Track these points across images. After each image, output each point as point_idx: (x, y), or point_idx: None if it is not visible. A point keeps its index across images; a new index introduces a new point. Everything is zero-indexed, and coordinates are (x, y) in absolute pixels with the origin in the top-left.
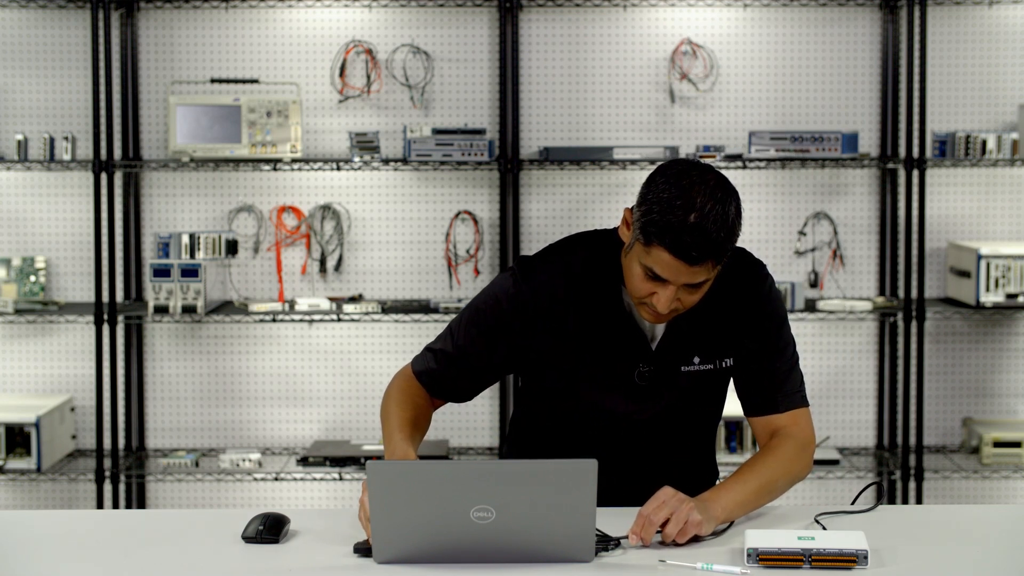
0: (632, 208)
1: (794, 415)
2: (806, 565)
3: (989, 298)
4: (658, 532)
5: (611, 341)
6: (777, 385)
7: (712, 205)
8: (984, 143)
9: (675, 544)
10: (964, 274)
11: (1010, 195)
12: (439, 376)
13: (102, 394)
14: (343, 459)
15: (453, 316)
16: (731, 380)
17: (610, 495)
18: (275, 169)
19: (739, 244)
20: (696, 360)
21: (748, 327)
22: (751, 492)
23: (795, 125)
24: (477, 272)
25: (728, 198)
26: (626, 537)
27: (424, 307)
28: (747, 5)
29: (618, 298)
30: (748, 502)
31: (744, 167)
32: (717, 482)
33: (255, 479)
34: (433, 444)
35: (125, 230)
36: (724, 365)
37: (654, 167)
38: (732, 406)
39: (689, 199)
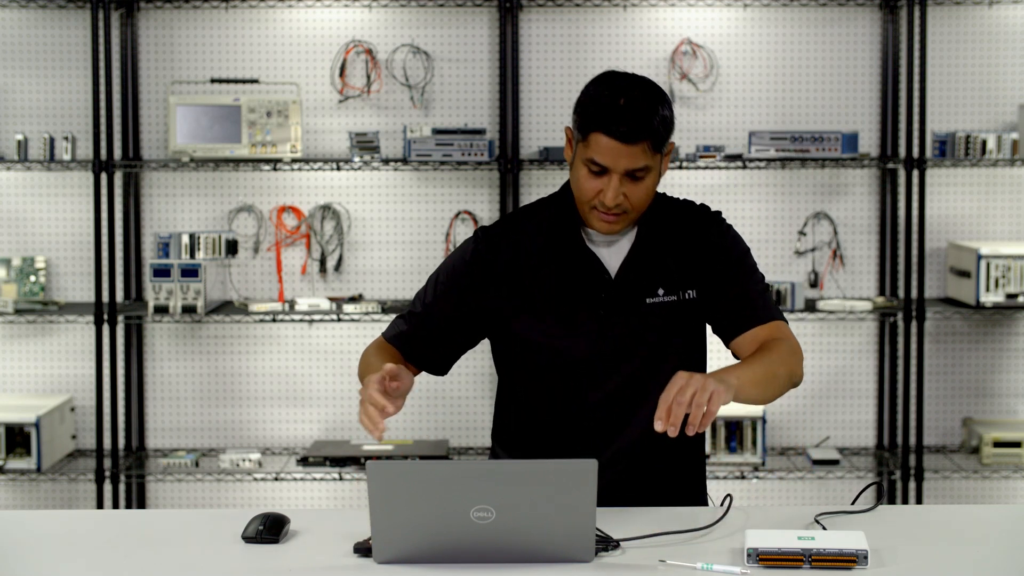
0: (570, 126)
1: (777, 325)
2: (806, 565)
3: (989, 298)
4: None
5: (572, 277)
6: (752, 302)
7: (641, 92)
8: (984, 143)
9: (685, 438)
10: (964, 274)
11: (1010, 195)
12: (411, 338)
13: (102, 394)
14: (343, 459)
15: None
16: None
17: (594, 454)
18: (275, 169)
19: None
20: (660, 292)
21: (711, 259)
22: (759, 374)
23: (795, 125)
24: None
25: (657, 90)
26: (626, 539)
27: None
28: (747, 5)
29: (577, 237)
30: (757, 382)
31: (744, 167)
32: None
33: (255, 479)
34: (433, 444)
35: (125, 230)
36: (687, 296)
37: None
38: (731, 406)
39: (618, 88)
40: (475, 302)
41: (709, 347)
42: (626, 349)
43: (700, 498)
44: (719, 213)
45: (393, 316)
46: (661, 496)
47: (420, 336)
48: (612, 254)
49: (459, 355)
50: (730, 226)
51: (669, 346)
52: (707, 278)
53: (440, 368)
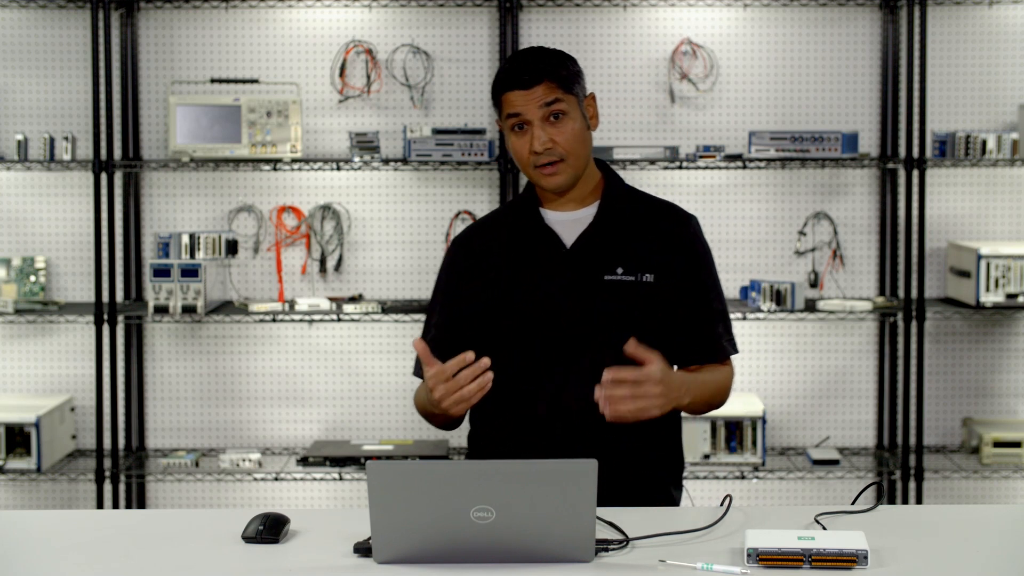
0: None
1: (727, 364)
2: (806, 565)
3: (989, 298)
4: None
5: (531, 252)
6: (713, 337)
7: (536, 49)
8: (984, 143)
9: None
10: (964, 274)
11: (1010, 195)
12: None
13: (102, 394)
14: (343, 459)
15: None
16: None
17: (557, 431)
18: (275, 169)
19: (737, 244)
20: (619, 271)
21: (676, 254)
22: (707, 396)
23: (795, 125)
24: None
25: (558, 51)
26: (626, 540)
27: (424, 307)
28: (747, 5)
29: (536, 216)
30: (703, 403)
31: (744, 167)
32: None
33: (255, 479)
34: (433, 444)
35: (125, 230)
36: (644, 279)
37: (654, 167)
38: (731, 406)
39: (512, 56)
40: (461, 301)
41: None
42: (586, 324)
43: (673, 484)
44: (694, 216)
45: (393, 316)
46: (627, 480)
47: (438, 358)
48: (571, 232)
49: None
50: (701, 232)
51: (628, 326)
52: (669, 273)
53: None
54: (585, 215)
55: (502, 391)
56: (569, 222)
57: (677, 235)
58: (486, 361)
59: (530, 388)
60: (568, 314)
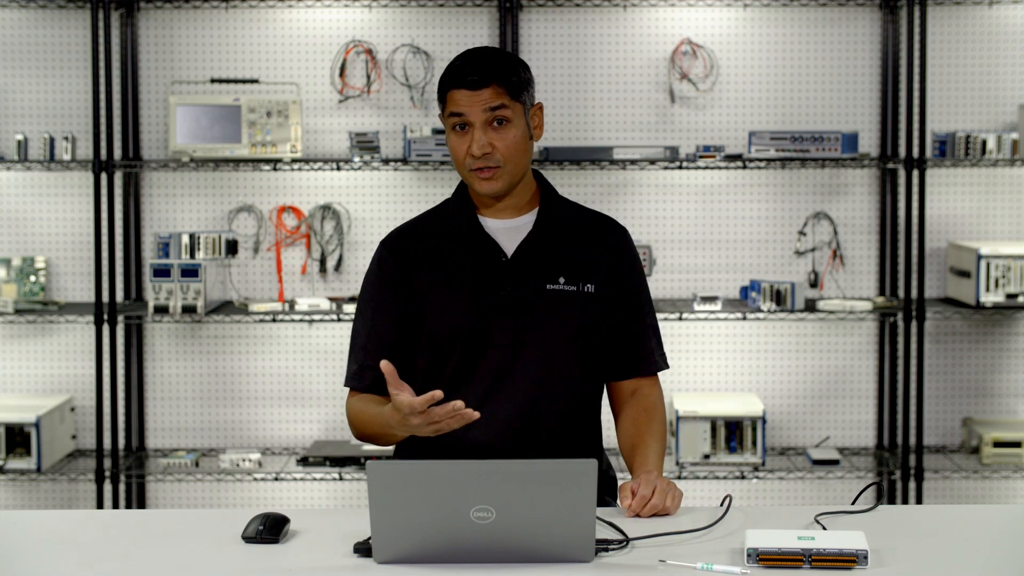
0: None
1: (654, 381)
2: (806, 565)
3: (989, 298)
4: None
5: (471, 260)
6: (646, 350)
7: (487, 50)
8: (984, 143)
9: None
10: (964, 274)
11: (1010, 195)
12: (368, 370)
13: (102, 394)
14: (343, 459)
15: None
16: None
17: (500, 440)
18: (275, 169)
19: (737, 244)
20: (561, 280)
21: (610, 264)
22: (661, 458)
23: (795, 125)
24: None
25: (508, 53)
26: (626, 540)
27: None
28: (747, 5)
29: (474, 223)
30: (661, 467)
31: (744, 167)
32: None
33: (255, 479)
34: None
35: (125, 230)
36: (586, 290)
37: (654, 167)
38: (731, 406)
39: (462, 54)
40: (396, 307)
41: None
42: (530, 333)
43: (607, 492)
44: (625, 229)
45: None
46: None
47: (372, 363)
48: (510, 240)
49: (406, 371)
50: (632, 244)
51: (573, 336)
52: (608, 283)
53: None
54: (523, 223)
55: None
56: (507, 230)
57: (616, 247)
58: (460, 404)
59: (465, 400)
60: (509, 324)
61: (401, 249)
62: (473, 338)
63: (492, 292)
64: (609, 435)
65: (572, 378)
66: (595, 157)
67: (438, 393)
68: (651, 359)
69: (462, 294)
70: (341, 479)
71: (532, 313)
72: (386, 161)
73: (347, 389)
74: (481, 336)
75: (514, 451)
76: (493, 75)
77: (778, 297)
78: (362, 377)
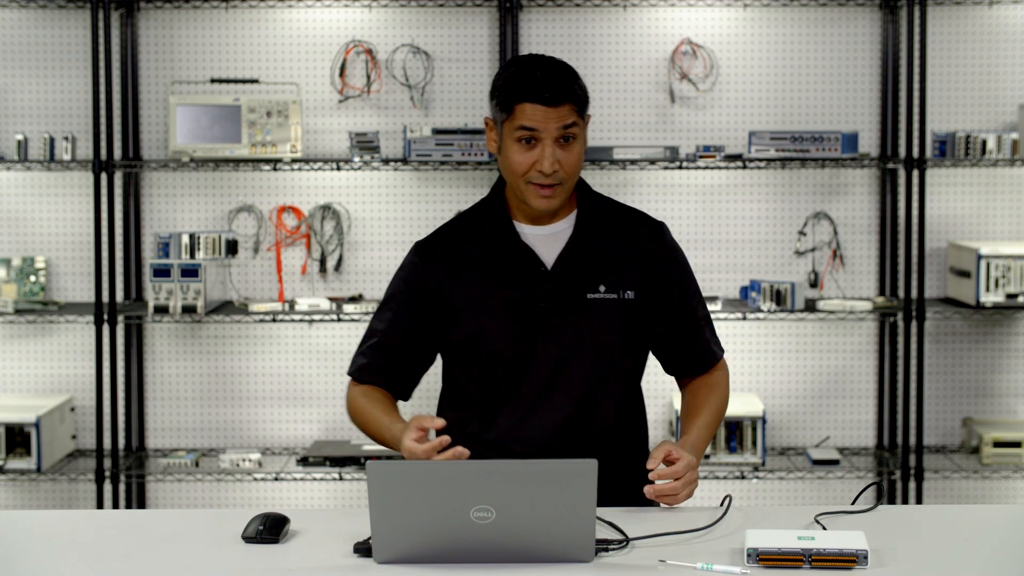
0: (490, 116)
1: (720, 365)
2: (806, 565)
3: (989, 298)
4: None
5: (509, 272)
6: (703, 346)
7: (554, 63)
8: (984, 143)
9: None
10: (964, 274)
11: (1010, 195)
12: (375, 370)
13: (102, 394)
14: (343, 459)
15: None
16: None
17: (544, 453)
18: (275, 169)
19: (737, 244)
20: (602, 288)
21: (651, 269)
22: (711, 435)
23: (795, 125)
24: None
25: (567, 64)
26: (626, 540)
27: None
28: (747, 5)
29: (512, 233)
30: (707, 439)
31: (744, 167)
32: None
33: (255, 479)
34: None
35: (125, 230)
36: (626, 296)
37: (654, 167)
38: (731, 405)
39: (532, 63)
40: (424, 314)
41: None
42: (573, 345)
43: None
44: (663, 224)
45: None
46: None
47: (380, 364)
48: (548, 249)
49: (420, 376)
50: (673, 238)
51: (615, 346)
52: (650, 288)
53: (404, 392)
54: (561, 229)
55: (472, 416)
56: (544, 237)
57: (653, 246)
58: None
59: (508, 413)
60: (551, 337)
61: (434, 259)
62: (515, 352)
63: (533, 305)
64: (655, 437)
65: (615, 387)
66: (595, 157)
67: (445, 439)
68: (710, 352)
69: (502, 307)
70: (341, 479)
71: (574, 325)
72: (386, 161)
73: (348, 377)
74: (522, 350)
75: (561, 458)
76: (569, 93)
77: (778, 297)
78: (367, 373)
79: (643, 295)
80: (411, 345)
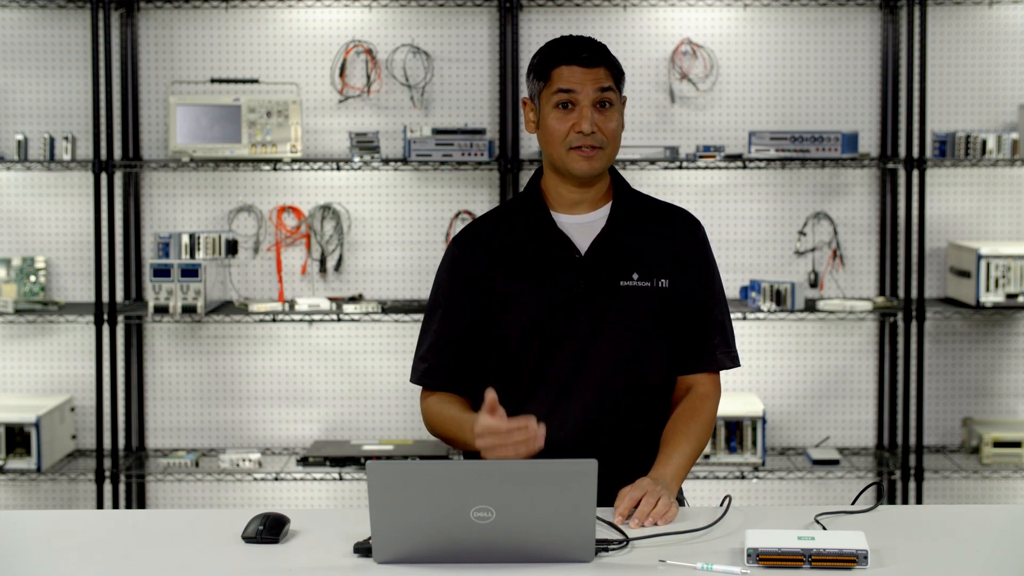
0: (527, 96)
1: (715, 378)
2: (806, 565)
3: (989, 298)
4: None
5: (545, 259)
6: (709, 346)
7: (588, 37)
8: (984, 143)
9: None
10: (964, 274)
11: (1010, 195)
12: (439, 370)
13: (102, 394)
14: (343, 459)
15: None
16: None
17: (582, 441)
18: (275, 169)
19: (737, 244)
20: (635, 276)
21: (684, 260)
22: (693, 458)
23: (795, 125)
24: None
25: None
26: (626, 540)
27: (424, 307)
28: (747, 5)
29: (548, 221)
30: (687, 468)
31: (744, 167)
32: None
33: (255, 479)
34: (433, 444)
35: (125, 230)
36: (660, 285)
37: (654, 167)
38: (731, 405)
39: (567, 37)
40: (472, 300)
41: None
42: (605, 330)
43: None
44: (699, 222)
45: (393, 316)
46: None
47: (445, 363)
48: (583, 237)
49: (484, 367)
50: (706, 237)
51: (647, 332)
52: (683, 279)
53: (474, 388)
54: (596, 218)
55: (508, 399)
56: (580, 226)
57: (690, 242)
58: (536, 426)
59: (540, 397)
60: (584, 320)
61: (474, 247)
62: (547, 334)
63: (566, 289)
64: None
65: (646, 373)
66: None
67: (530, 420)
68: (711, 356)
69: (536, 292)
70: (341, 479)
71: (606, 309)
72: (386, 161)
73: (415, 387)
74: (555, 332)
75: (587, 447)
76: (604, 57)
77: (778, 297)
78: (432, 376)
79: (676, 285)
80: (468, 336)
